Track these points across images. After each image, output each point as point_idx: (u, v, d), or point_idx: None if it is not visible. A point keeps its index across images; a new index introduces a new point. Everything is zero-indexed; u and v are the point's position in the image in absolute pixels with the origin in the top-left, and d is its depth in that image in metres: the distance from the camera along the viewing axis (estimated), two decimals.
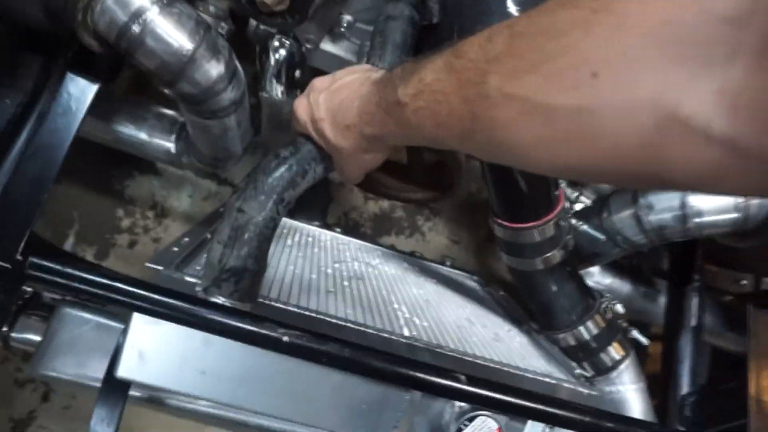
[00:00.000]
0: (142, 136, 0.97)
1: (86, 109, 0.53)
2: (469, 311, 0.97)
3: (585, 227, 0.90)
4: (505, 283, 1.50)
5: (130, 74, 1.36)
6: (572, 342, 0.89)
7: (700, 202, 0.80)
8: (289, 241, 1.00)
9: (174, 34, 0.68)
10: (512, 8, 0.62)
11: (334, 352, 0.53)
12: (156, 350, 0.55)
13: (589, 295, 0.91)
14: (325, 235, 1.17)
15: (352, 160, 0.62)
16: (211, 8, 0.93)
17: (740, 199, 0.79)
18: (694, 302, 1.02)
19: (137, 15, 0.65)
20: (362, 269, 1.00)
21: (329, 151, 0.62)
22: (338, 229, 1.24)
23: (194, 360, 0.54)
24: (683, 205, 0.80)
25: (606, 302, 0.91)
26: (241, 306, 0.59)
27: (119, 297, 0.51)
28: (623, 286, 1.11)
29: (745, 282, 1.17)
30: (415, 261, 1.21)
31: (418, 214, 1.70)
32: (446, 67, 0.42)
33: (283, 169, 0.60)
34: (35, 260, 0.47)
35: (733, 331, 1.15)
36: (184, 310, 0.53)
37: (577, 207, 0.95)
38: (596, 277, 1.09)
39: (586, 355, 0.88)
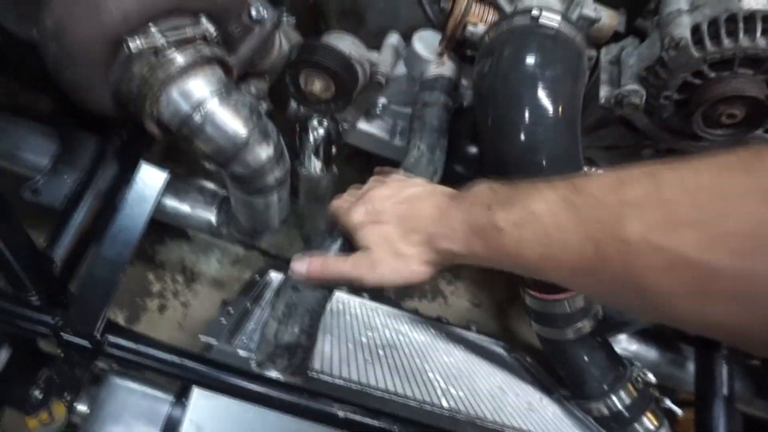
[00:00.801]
0: (185, 208, 1.02)
1: (158, 196, 0.58)
2: (499, 379, 0.98)
3: None
4: (529, 348, 1.50)
5: (164, 143, 1.43)
6: (605, 412, 0.90)
7: None
8: None
9: (231, 122, 0.73)
10: (545, 101, 0.67)
11: (386, 427, 0.55)
12: (214, 424, 0.57)
13: (620, 363, 0.92)
14: (354, 300, 1.20)
15: (403, 265, 0.58)
16: (252, 89, 1.00)
17: None
18: (724, 370, 1.02)
19: (199, 105, 0.71)
20: (393, 337, 1.02)
21: (380, 255, 0.59)
22: (365, 294, 1.27)
23: None
24: None
25: (636, 371, 0.93)
26: (293, 380, 0.61)
27: (185, 374, 0.53)
28: (650, 353, 1.12)
29: None
30: (441, 327, 1.23)
31: (440, 277, 1.73)
32: (563, 201, 0.42)
33: (336, 249, 0.64)
34: (113, 339, 0.50)
35: (763, 398, 1.14)
36: (243, 385, 0.56)
37: None
38: (623, 343, 1.10)
39: (619, 425, 0.89)
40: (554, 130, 0.69)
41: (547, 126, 0.68)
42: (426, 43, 0.85)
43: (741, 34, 0.65)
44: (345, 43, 0.83)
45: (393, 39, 0.89)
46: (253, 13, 0.83)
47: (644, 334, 1.12)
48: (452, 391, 0.83)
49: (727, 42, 0.65)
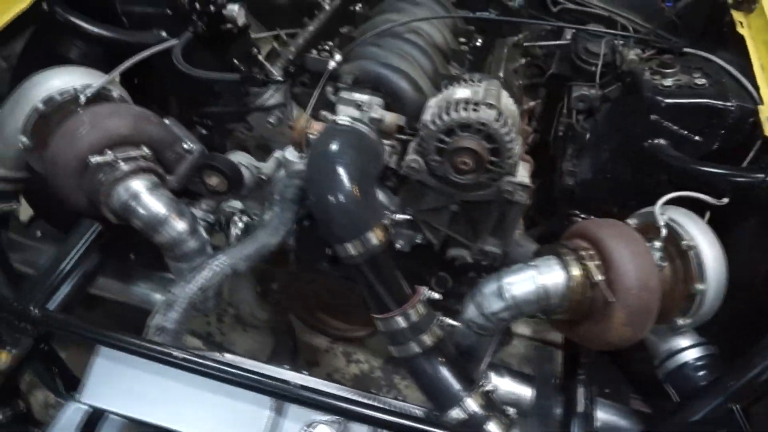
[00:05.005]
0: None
1: None
2: None
3: (450, 321, 1.16)
4: None
5: None
6: (462, 415, 1.08)
7: (513, 286, 1.06)
8: None
9: (154, 205, 1.13)
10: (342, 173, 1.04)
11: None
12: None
13: (468, 376, 1.12)
14: None
15: None
16: (203, 205, 1.42)
17: (539, 282, 1.05)
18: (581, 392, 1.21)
19: (135, 196, 1.13)
20: None
21: None
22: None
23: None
24: (500, 288, 1.07)
25: (484, 382, 1.13)
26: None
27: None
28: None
29: None
30: None
31: (394, 373, 1.91)
32: None
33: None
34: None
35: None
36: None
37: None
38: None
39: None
40: (351, 195, 1.02)
41: (346, 193, 1.02)
42: (292, 152, 1.26)
43: (454, 113, 1.03)
44: (238, 156, 1.26)
45: (277, 153, 1.32)
46: (185, 146, 1.28)
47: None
48: None
49: (447, 118, 1.03)
